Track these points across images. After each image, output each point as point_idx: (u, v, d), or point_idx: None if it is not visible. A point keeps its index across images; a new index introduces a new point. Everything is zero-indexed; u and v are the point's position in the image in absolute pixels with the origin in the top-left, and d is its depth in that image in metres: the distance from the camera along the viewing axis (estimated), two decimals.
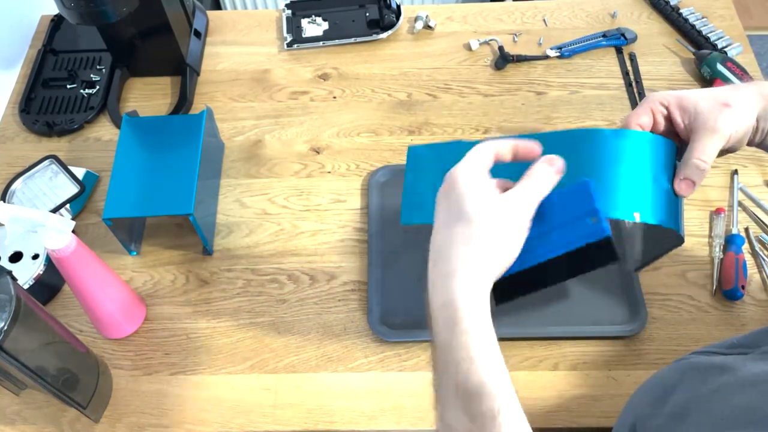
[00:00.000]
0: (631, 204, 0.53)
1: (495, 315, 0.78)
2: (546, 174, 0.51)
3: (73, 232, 0.68)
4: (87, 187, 0.90)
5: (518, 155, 0.54)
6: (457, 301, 0.47)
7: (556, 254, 0.49)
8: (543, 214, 0.51)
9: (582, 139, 0.57)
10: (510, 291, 0.52)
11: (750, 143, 0.59)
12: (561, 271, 0.50)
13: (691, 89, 0.57)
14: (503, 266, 0.49)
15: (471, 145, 0.54)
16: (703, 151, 0.54)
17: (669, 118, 0.58)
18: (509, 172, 0.54)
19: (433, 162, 0.64)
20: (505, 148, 0.53)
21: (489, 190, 0.50)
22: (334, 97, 1.02)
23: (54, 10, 0.93)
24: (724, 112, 0.55)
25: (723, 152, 0.58)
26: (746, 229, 0.86)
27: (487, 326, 0.47)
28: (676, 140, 0.58)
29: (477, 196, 0.49)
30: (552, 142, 0.56)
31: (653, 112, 0.58)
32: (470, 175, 0.50)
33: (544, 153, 0.54)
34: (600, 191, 0.53)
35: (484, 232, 0.48)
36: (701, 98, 0.56)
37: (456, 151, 0.54)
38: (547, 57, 1.04)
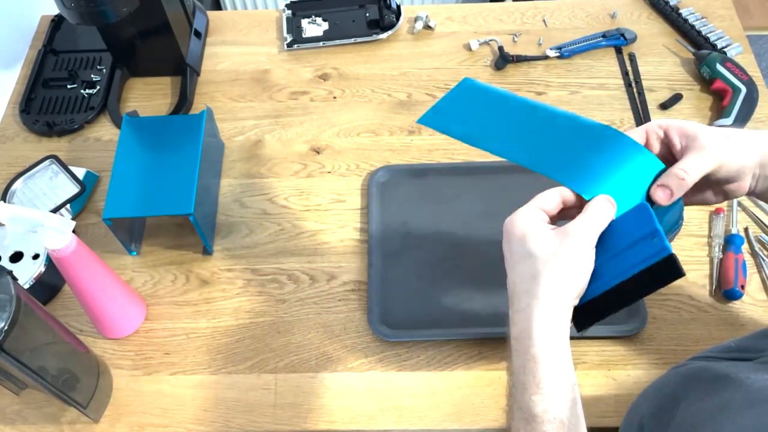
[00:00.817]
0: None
1: (494, 314, 0.78)
2: (605, 207, 0.53)
3: (73, 232, 0.68)
4: (87, 187, 0.90)
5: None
6: (529, 331, 0.50)
7: (624, 278, 0.51)
8: (606, 241, 0.53)
9: (582, 127, 0.58)
10: (588, 317, 0.54)
11: (751, 192, 0.59)
12: (633, 291, 0.52)
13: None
14: (573, 295, 0.51)
15: (518, 100, 0.62)
16: (688, 164, 0.54)
17: (666, 143, 0.58)
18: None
19: (480, 97, 0.65)
20: (568, 193, 0.55)
21: (546, 227, 0.53)
22: (334, 97, 1.02)
23: (54, 10, 0.92)
24: (721, 138, 0.55)
25: (719, 191, 0.58)
26: (746, 229, 0.86)
27: (557, 357, 0.50)
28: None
29: (536, 233, 0.52)
30: (553, 118, 0.59)
31: (648, 134, 0.58)
32: (527, 217, 0.53)
33: (539, 123, 0.60)
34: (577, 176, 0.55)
35: (548, 266, 0.50)
36: (705, 126, 0.56)
37: (504, 103, 0.62)
38: (546, 57, 1.04)
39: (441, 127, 0.64)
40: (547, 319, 0.50)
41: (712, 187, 0.59)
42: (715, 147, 0.54)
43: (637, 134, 0.58)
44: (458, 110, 0.65)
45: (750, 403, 0.47)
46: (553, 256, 0.50)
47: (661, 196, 0.54)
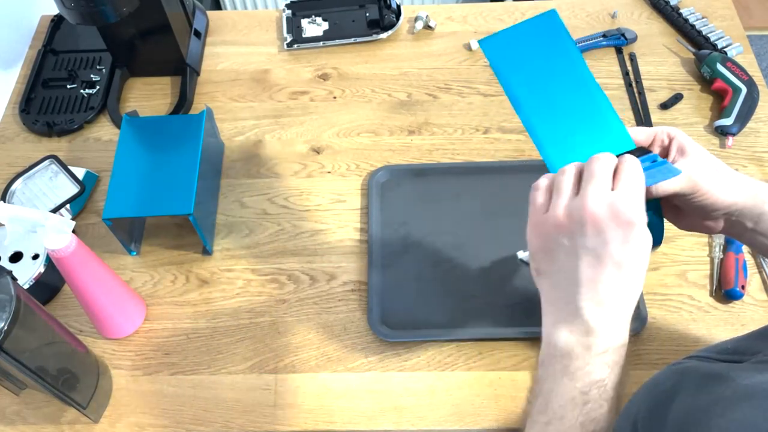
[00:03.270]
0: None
1: (494, 314, 0.78)
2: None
3: (73, 232, 0.68)
4: (87, 187, 0.90)
5: None
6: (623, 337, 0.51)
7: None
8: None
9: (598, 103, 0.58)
10: None
11: (724, 232, 0.59)
12: None
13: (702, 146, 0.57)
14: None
15: (577, 68, 0.58)
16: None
17: (665, 150, 0.57)
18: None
19: (549, 42, 0.61)
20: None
21: None
22: (334, 97, 1.02)
23: (54, 10, 0.92)
24: (708, 169, 0.54)
25: (699, 224, 0.58)
26: None
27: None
28: None
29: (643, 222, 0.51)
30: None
31: (655, 137, 0.57)
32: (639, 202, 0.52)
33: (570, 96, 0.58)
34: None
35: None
36: (702, 154, 0.55)
37: (563, 63, 0.59)
38: None
39: (496, 60, 0.60)
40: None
41: (695, 217, 0.59)
42: (697, 171, 0.54)
43: (645, 134, 0.57)
44: (523, 47, 0.61)
45: (738, 398, 0.47)
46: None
47: None
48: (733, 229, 0.59)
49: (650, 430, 0.55)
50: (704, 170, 0.54)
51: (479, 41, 0.62)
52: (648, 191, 0.52)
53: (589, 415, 0.47)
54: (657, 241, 0.58)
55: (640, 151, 0.55)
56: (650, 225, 0.56)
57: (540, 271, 0.52)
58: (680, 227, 0.60)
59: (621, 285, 0.48)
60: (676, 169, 0.53)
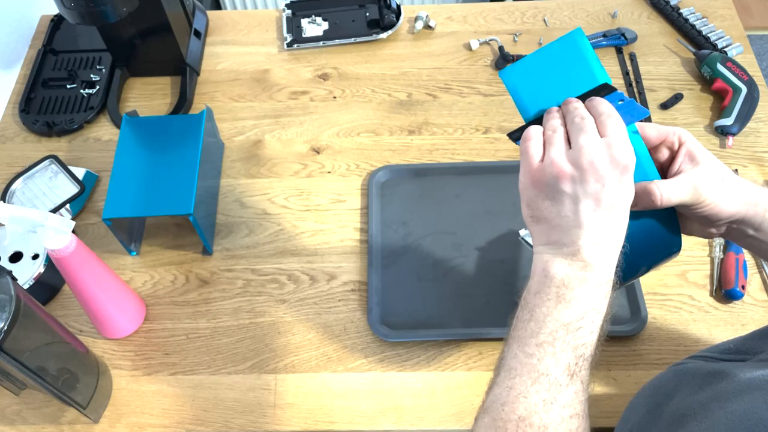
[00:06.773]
0: None
1: (494, 314, 0.78)
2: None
3: (73, 232, 0.68)
4: (87, 187, 0.90)
5: None
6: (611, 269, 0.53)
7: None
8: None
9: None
10: None
11: (721, 235, 0.60)
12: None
13: (711, 152, 0.57)
14: None
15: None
16: (667, 186, 0.54)
17: (672, 154, 0.58)
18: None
19: (572, 61, 0.59)
20: None
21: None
22: (334, 97, 1.02)
23: (54, 10, 0.93)
24: (715, 182, 0.55)
25: (701, 230, 0.59)
26: None
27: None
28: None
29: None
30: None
31: (666, 137, 0.57)
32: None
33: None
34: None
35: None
36: (711, 162, 0.56)
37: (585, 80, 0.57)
38: None
39: (515, 88, 0.59)
40: None
41: (696, 224, 0.59)
42: (704, 182, 0.54)
43: (656, 132, 0.57)
44: (543, 73, 0.59)
45: (739, 391, 0.48)
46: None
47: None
48: (733, 234, 0.59)
49: (645, 427, 0.55)
50: (711, 181, 0.55)
51: (499, 72, 0.60)
52: (653, 203, 0.54)
53: (580, 339, 0.51)
54: (677, 247, 0.59)
55: (606, 89, 0.55)
56: (669, 230, 0.57)
57: (538, 217, 0.54)
58: (690, 234, 0.61)
59: (614, 224, 0.52)
60: (644, 109, 0.54)
